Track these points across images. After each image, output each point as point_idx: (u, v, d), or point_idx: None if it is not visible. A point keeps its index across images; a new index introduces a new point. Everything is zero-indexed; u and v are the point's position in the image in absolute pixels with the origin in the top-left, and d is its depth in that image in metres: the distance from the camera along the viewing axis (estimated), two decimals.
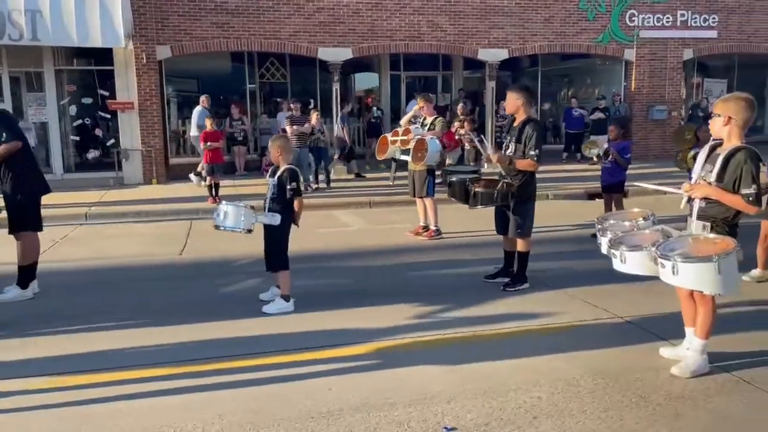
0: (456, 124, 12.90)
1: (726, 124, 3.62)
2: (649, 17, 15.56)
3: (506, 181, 5.38)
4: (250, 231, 5.00)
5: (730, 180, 3.53)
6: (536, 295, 5.44)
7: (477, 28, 14.77)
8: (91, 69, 13.59)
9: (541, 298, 5.35)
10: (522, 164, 5.42)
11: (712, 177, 3.59)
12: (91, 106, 13.64)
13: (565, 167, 14.55)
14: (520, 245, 5.61)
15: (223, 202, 4.93)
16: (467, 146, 12.27)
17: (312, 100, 15.51)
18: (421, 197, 8.09)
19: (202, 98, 13.24)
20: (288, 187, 4.90)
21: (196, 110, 13.07)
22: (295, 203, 5.01)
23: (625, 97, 15.94)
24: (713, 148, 3.70)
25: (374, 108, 15.52)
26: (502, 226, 5.73)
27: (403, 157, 8.31)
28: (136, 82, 13.05)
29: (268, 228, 5.07)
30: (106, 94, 13.37)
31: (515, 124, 5.55)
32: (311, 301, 5.33)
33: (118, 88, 13.11)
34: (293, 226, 5.15)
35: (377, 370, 3.91)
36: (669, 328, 4.41)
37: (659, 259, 3.48)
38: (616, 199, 7.78)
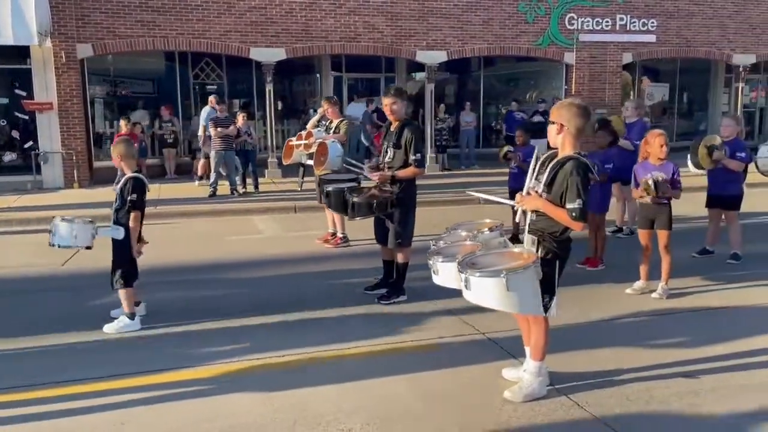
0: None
1: (559, 132, 3.38)
2: (589, 21, 15.53)
3: (385, 189, 5.11)
4: (89, 247, 4.60)
5: (557, 192, 3.30)
6: (410, 308, 5.18)
7: (415, 29, 14.55)
8: (6, 68, 12.96)
9: (413, 312, 5.09)
10: (406, 173, 5.15)
11: (540, 187, 3.36)
12: (8, 106, 13.02)
13: (505, 170, 14.40)
14: (399, 256, 5.35)
15: (57, 217, 4.52)
16: None
17: (239, 101, 15.15)
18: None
19: (211, 98, 12.83)
20: (128, 197, 4.52)
21: (204, 110, 12.62)
22: (131, 217, 4.60)
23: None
24: (549, 157, 3.47)
25: (311, 110, 15.15)
26: (381, 234, 5.46)
27: (309, 162, 8.00)
28: (55, 82, 12.49)
29: (113, 241, 4.69)
30: (24, 94, 12.76)
31: (392, 129, 5.29)
32: (172, 316, 5.00)
33: (36, 88, 12.52)
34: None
35: (192, 398, 3.58)
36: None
37: (459, 273, 3.23)
38: None
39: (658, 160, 5.34)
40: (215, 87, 15.32)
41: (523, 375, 3.53)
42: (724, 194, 6.54)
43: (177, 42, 13.23)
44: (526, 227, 3.47)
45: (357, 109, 15.91)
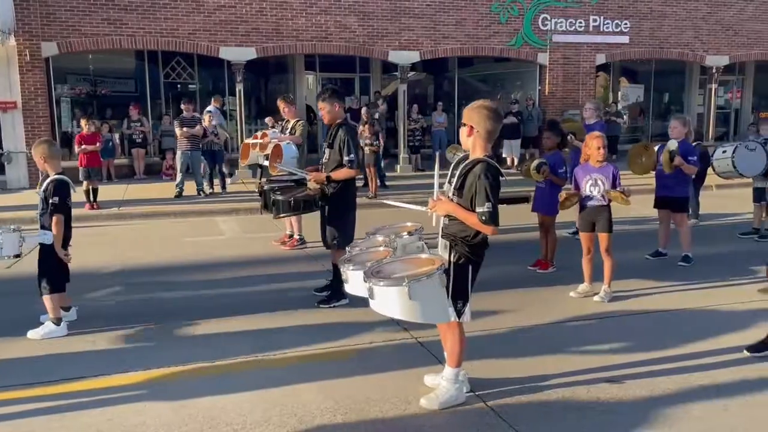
0: (360, 128, 12.56)
1: (469, 135, 3.32)
2: (562, 21, 15.55)
3: (311, 186, 5.04)
4: (17, 255, 4.47)
5: (467, 196, 3.23)
6: (350, 312, 5.09)
7: (387, 29, 14.48)
8: None
9: (352, 316, 5.00)
10: (340, 174, 5.08)
11: (451, 191, 3.30)
12: None
13: None
14: (336, 257, 5.27)
15: None
16: (367, 150, 11.92)
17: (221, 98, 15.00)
18: None
19: (214, 98, 12.86)
20: (50, 200, 4.40)
21: (207, 110, 12.48)
22: (54, 221, 4.45)
23: (539, 102, 15.89)
24: (460, 160, 3.40)
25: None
26: (324, 236, 5.39)
27: (266, 163, 7.90)
28: (19, 81, 12.30)
29: (40, 246, 4.57)
30: None
31: (331, 130, 5.23)
32: (105, 320, 4.90)
33: None
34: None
35: (100, 407, 3.48)
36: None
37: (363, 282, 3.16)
38: None
39: (598, 163, 5.30)
40: (194, 86, 15.24)
41: (440, 382, 3.46)
42: (671, 196, 6.53)
43: (144, 41, 13.07)
44: (440, 232, 3.40)
45: None
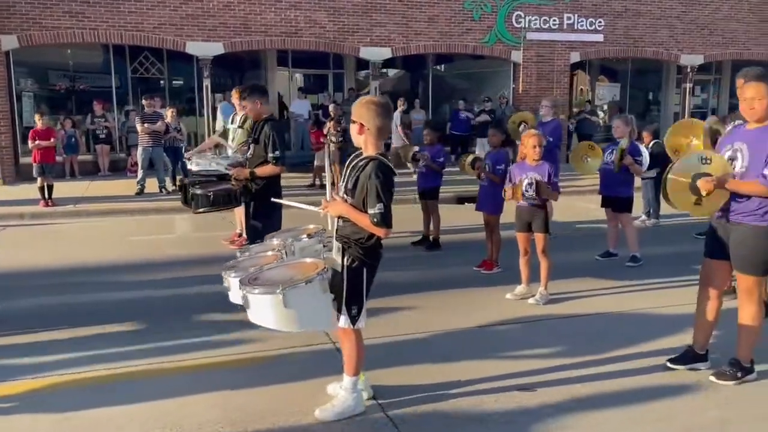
0: (328, 124, 12.38)
1: (360, 132, 3.15)
2: (536, 19, 15.42)
3: (234, 181, 4.86)
4: None
5: (359, 196, 3.07)
6: None
7: (358, 25, 14.29)
8: None
9: None
10: (264, 171, 4.91)
11: (342, 191, 3.14)
12: None
13: (449, 169, 14.23)
14: None
15: None
16: (332, 147, 11.75)
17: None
18: None
19: (234, 91, 12.36)
20: None
21: (221, 105, 12.18)
22: None
23: (513, 100, 15.76)
24: (353, 159, 3.23)
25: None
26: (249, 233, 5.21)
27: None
28: None
29: None
30: None
31: (256, 125, 5.06)
32: (19, 323, 4.71)
33: None
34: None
35: None
36: (370, 358, 3.96)
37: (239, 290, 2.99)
38: (431, 206, 7.37)
39: (534, 161, 5.15)
40: (163, 81, 15.00)
41: (339, 391, 3.30)
42: (615, 196, 6.42)
43: (108, 34, 12.81)
44: (334, 234, 3.24)
45: (301, 106, 15.64)
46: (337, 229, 3.19)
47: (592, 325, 4.75)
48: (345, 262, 3.10)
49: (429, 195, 7.39)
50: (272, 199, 4.56)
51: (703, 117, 19.79)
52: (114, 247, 7.66)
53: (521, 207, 5.25)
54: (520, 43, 15.34)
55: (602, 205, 6.67)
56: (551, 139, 7.68)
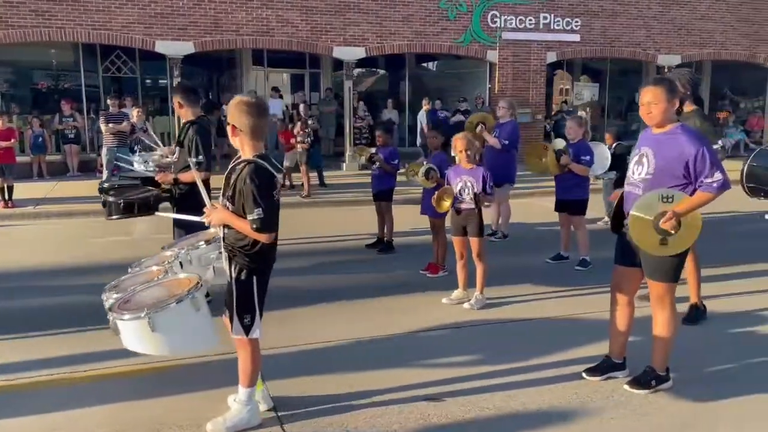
0: (299, 125, 12.27)
1: (234, 135, 3.04)
2: (512, 19, 15.34)
3: (152, 187, 4.76)
4: None
5: (239, 202, 2.96)
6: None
7: (331, 24, 14.18)
8: None
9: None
10: (186, 177, 4.79)
11: (221, 198, 3.03)
12: None
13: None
14: None
15: None
16: (299, 148, 11.64)
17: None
18: None
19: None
20: None
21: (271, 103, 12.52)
22: None
23: (489, 100, 15.68)
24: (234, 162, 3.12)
25: (224, 106, 14.66)
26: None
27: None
28: None
29: None
30: None
31: (183, 128, 4.96)
32: None
33: None
34: None
35: None
36: (280, 366, 3.88)
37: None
38: (385, 208, 7.28)
39: (468, 165, 5.07)
40: (131, 81, 14.86)
41: (232, 404, 3.20)
42: (569, 199, 6.35)
43: (75, 33, 12.66)
44: (221, 242, 3.13)
45: (275, 105, 15.50)
46: (223, 237, 3.08)
47: (521, 331, 4.67)
48: (232, 272, 3.00)
49: (382, 197, 7.29)
50: (157, 213, 4.45)
51: (712, 117, 19.82)
52: (63, 250, 7.53)
53: (457, 210, 5.16)
54: (496, 42, 15.26)
55: (557, 209, 6.59)
56: (506, 142, 7.62)
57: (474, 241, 5.09)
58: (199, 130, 4.79)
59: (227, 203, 3.00)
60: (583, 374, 3.78)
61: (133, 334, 2.76)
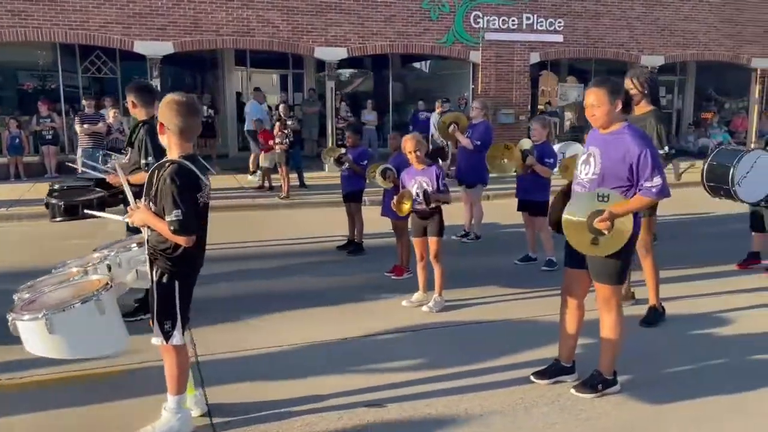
0: (277, 125, 12.18)
1: (161, 133, 2.96)
2: (494, 19, 15.30)
3: (99, 188, 4.67)
4: None
5: (161, 203, 2.87)
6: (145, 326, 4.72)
7: (313, 25, 14.10)
8: None
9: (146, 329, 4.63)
10: (136, 179, 4.67)
11: (144, 198, 2.95)
12: None
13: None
14: None
15: None
16: (277, 149, 11.55)
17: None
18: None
19: (258, 93, 13.29)
20: None
21: (250, 104, 12.67)
22: None
23: (472, 101, 15.61)
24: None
25: (205, 106, 14.57)
26: None
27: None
28: None
29: None
30: None
31: (134, 128, 4.87)
32: None
33: None
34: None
35: None
36: (224, 371, 3.80)
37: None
38: (354, 209, 7.21)
39: (419, 165, 5.01)
40: (111, 82, 14.73)
41: (162, 412, 3.12)
42: (529, 200, 6.30)
43: (52, 33, 12.54)
44: (145, 244, 3.05)
45: (257, 106, 15.41)
46: (147, 240, 3.00)
47: (479, 334, 4.60)
48: (153, 275, 2.92)
49: (352, 198, 7.22)
50: (85, 211, 4.36)
51: (669, 118, 19.88)
52: (22, 253, 7.42)
53: (417, 212, 5.09)
54: (479, 43, 15.22)
55: (518, 209, 6.55)
56: (479, 143, 7.56)
57: (432, 242, 5.02)
58: (150, 130, 4.69)
59: (150, 203, 2.91)
60: (531, 377, 3.72)
61: (31, 335, 2.69)
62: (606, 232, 3.26)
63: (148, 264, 2.96)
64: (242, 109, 15.98)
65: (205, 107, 14.59)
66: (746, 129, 18.57)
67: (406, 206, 5.01)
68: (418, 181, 4.93)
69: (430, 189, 4.88)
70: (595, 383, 3.53)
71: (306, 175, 12.36)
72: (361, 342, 4.41)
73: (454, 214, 8.59)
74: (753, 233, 6.25)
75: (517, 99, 15.85)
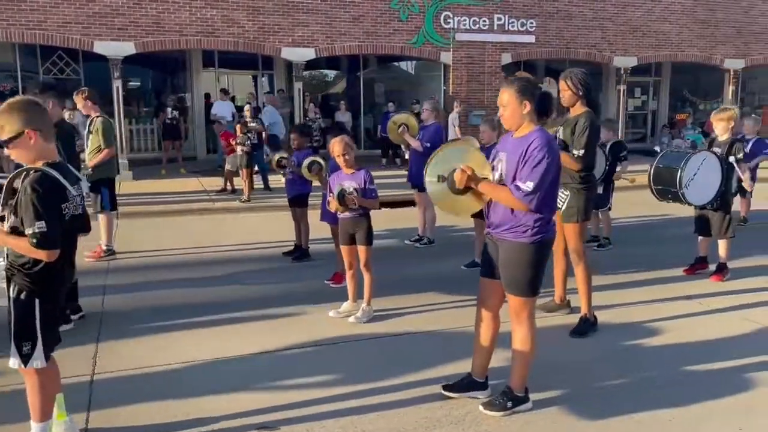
0: (238, 127, 11.94)
1: (19, 146, 2.73)
2: (465, 20, 15.16)
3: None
4: None
5: (20, 214, 2.63)
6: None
7: (279, 25, 13.89)
8: None
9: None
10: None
11: (1, 210, 2.73)
12: None
13: (383, 173, 13.89)
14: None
15: None
16: (239, 151, 11.31)
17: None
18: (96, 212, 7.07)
19: (272, 97, 13.47)
20: None
21: (266, 109, 12.66)
22: None
23: (444, 102, 15.47)
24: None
25: (169, 108, 14.32)
26: None
27: None
28: None
29: None
30: None
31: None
32: None
33: None
34: None
35: None
36: (122, 392, 3.58)
37: None
38: (300, 214, 7.00)
39: (348, 169, 4.81)
40: (74, 83, 14.42)
41: None
42: None
43: (8, 33, 12.23)
44: (5, 258, 2.82)
45: (224, 107, 15.17)
46: (7, 254, 2.78)
47: (401, 346, 4.40)
48: (11, 294, 2.70)
49: (297, 202, 7.01)
50: None
51: (645, 119, 19.86)
52: None
53: (344, 218, 4.90)
54: (449, 44, 15.07)
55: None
56: (428, 145, 7.37)
57: (361, 250, 4.82)
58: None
59: (9, 214, 2.67)
60: (441, 390, 3.52)
61: None
62: (459, 186, 3.22)
63: (3, 280, 2.74)
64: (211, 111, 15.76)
65: (169, 109, 14.35)
66: None
67: (334, 203, 4.80)
68: (344, 186, 4.72)
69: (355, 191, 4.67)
70: (505, 401, 3.35)
71: (272, 177, 12.12)
72: (272, 357, 4.17)
73: (411, 217, 8.43)
74: (699, 237, 6.10)
75: (488, 100, 15.69)
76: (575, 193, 4.49)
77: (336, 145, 4.74)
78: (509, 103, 3.20)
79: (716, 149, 5.89)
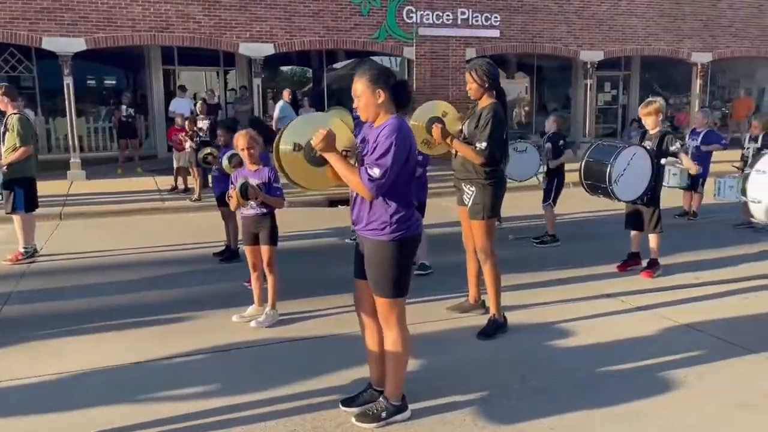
0: (187, 124, 11.64)
1: None
2: (428, 14, 14.93)
3: None
4: None
5: None
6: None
7: (237, 20, 13.58)
8: None
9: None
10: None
11: None
12: None
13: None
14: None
15: None
16: (187, 148, 11.02)
17: None
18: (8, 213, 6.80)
19: (285, 92, 13.17)
20: None
21: (279, 104, 12.68)
22: None
23: None
24: None
25: (124, 106, 13.97)
26: None
27: None
28: None
29: None
30: None
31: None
32: None
33: None
34: None
35: None
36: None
37: None
38: (226, 213, 6.72)
39: (253, 166, 4.58)
40: (27, 81, 14.09)
41: None
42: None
43: None
44: None
45: (182, 104, 14.86)
46: None
47: (304, 352, 4.17)
48: None
49: (223, 201, 6.75)
50: None
51: (616, 114, 19.77)
52: None
53: (246, 217, 4.67)
54: (412, 38, 14.84)
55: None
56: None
57: (264, 250, 4.59)
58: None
59: None
60: (341, 406, 3.29)
61: None
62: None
63: None
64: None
65: (123, 106, 14.01)
66: (689, 124, 18.48)
67: (235, 198, 4.56)
68: (247, 181, 4.48)
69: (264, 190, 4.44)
70: (379, 411, 3.13)
71: None
72: (157, 367, 3.93)
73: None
74: (632, 232, 5.93)
75: (453, 96, 15.46)
76: (481, 188, 4.28)
77: (240, 139, 4.52)
78: (363, 93, 2.98)
79: (647, 143, 5.72)
